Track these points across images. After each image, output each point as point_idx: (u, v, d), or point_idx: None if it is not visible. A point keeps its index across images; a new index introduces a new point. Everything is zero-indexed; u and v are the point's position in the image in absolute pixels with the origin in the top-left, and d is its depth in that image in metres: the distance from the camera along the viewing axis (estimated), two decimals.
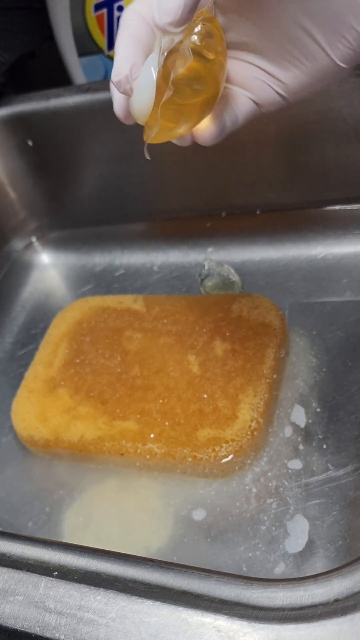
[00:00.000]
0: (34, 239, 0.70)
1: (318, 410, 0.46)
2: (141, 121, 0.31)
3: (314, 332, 0.51)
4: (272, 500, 0.43)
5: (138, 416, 0.48)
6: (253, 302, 0.52)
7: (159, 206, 0.64)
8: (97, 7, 0.60)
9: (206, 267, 0.58)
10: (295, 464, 0.44)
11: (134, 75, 0.29)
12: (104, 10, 0.60)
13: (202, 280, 0.58)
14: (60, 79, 0.67)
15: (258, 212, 0.60)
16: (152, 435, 0.46)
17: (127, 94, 0.30)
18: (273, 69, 0.31)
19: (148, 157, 0.31)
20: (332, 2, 0.28)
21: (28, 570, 0.31)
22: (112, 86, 0.30)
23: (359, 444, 0.44)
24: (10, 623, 0.30)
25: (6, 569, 0.32)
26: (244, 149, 0.56)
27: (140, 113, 0.30)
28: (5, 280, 0.68)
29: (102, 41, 0.62)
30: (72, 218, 0.68)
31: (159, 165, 0.60)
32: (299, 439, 0.45)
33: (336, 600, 0.27)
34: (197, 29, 0.29)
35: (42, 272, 0.68)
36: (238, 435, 0.44)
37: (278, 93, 0.32)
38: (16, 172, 0.65)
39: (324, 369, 0.48)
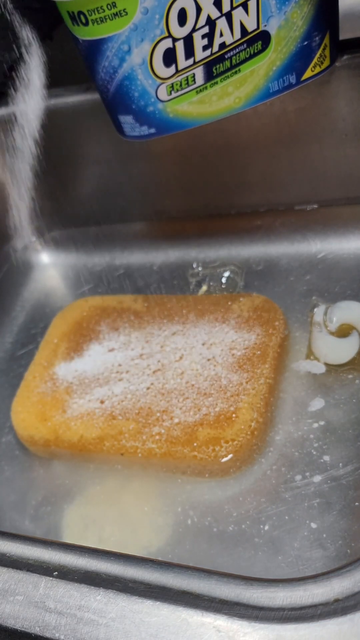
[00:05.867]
0: (33, 239, 0.70)
1: (318, 409, 0.46)
2: None
3: None
4: (272, 500, 0.43)
5: (138, 416, 0.48)
6: (253, 302, 0.52)
7: (159, 206, 0.64)
8: None
9: (200, 274, 0.58)
10: (295, 464, 0.44)
11: None
12: None
13: (197, 285, 0.58)
14: (60, 79, 0.67)
15: (258, 212, 0.60)
16: (152, 435, 0.46)
17: None
18: None
19: None
20: None
21: (28, 570, 0.31)
22: None
23: (359, 444, 0.44)
24: (10, 623, 0.30)
25: (6, 569, 0.32)
26: (244, 149, 0.56)
27: None
28: (5, 280, 0.68)
29: None
30: (72, 218, 0.68)
31: (159, 165, 0.60)
32: (299, 438, 0.45)
33: (336, 600, 0.27)
34: None
35: (42, 272, 0.68)
36: (238, 435, 0.44)
37: None
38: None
39: (324, 368, 0.48)
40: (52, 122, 0.60)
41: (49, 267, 0.69)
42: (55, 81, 0.66)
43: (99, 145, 0.60)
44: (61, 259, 0.69)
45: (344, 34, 0.47)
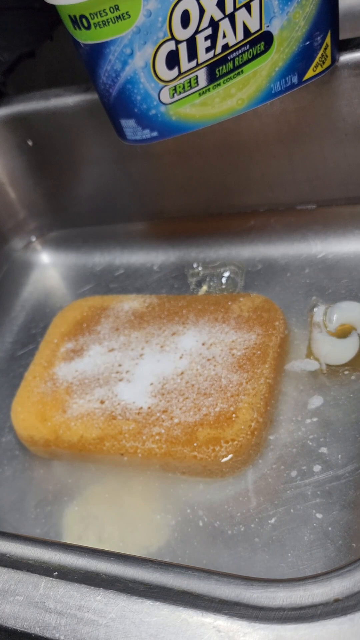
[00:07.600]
0: (33, 239, 0.70)
1: (318, 409, 0.46)
2: None
3: None
4: (271, 500, 0.43)
5: (138, 416, 0.48)
6: (253, 302, 0.52)
7: (159, 206, 0.64)
8: None
9: (200, 274, 0.58)
10: (295, 464, 0.44)
11: None
12: None
13: (197, 285, 0.58)
14: (60, 79, 0.67)
15: (258, 212, 0.60)
16: (152, 435, 0.46)
17: None
18: None
19: None
20: None
21: (28, 570, 0.31)
22: None
23: (359, 444, 0.44)
24: (10, 623, 0.30)
25: (6, 569, 0.32)
26: (244, 149, 0.56)
27: None
28: (5, 280, 0.68)
29: None
30: (72, 218, 0.68)
31: (159, 165, 0.60)
32: (299, 438, 0.45)
33: (336, 600, 0.27)
34: None
35: (42, 272, 0.68)
36: (238, 435, 0.44)
37: None
38: (16, 172, 0.65)
39: (324, 369, 0.48)
40: (52, 122, 0.60)
41: (49, 266, 0.69)
42: (55, 81, 0.66)
43: (99, 145, 0.60)
44: (61, 259, 0.69)
45: (343, 34, 0.47)
